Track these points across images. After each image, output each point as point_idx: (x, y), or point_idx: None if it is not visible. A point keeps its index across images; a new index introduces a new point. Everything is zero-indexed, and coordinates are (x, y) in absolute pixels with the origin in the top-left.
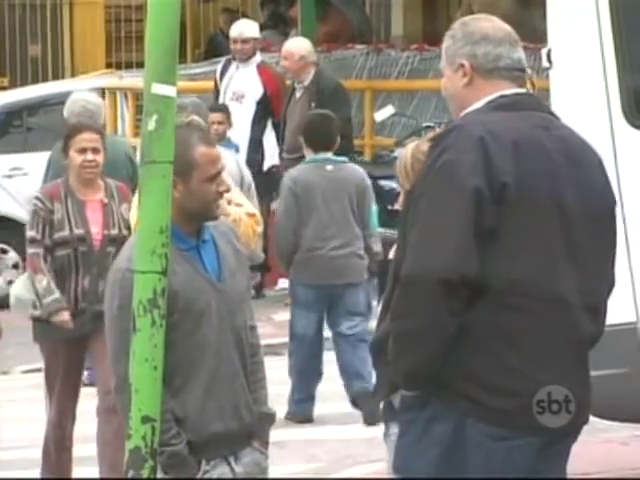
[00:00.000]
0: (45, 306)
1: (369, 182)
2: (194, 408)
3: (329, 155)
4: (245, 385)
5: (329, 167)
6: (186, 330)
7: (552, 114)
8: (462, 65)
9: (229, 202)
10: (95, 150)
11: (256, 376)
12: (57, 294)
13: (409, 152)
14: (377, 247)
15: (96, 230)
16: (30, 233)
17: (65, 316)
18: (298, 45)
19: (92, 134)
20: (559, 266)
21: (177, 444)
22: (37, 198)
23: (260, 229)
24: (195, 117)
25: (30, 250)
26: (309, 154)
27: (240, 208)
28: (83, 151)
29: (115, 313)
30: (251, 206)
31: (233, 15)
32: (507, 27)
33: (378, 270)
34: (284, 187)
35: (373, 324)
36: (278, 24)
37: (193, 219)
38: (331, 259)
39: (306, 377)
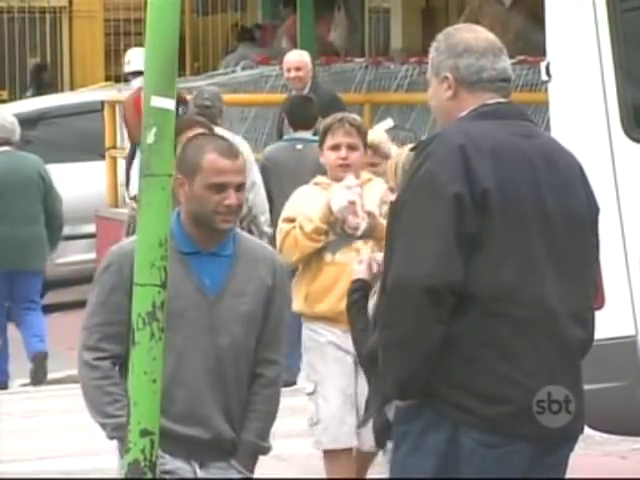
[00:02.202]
0: None
1: None
2: None
3: (306, 134)
4: (222, 402)
5: (299, 146)
6: None
7: (533, 122)
8: (446, 78)
9: None
10: None
11: (256, 406)
12: None
13: (403, 157)
14: None
15: None
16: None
17: None
18: (307, 56)
19: (200, 129)
20: (542, 272)
21: (123, 415)
22: (133, 199)
23: None
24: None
25: None
26: (289, 132)
27: None
28: None
29: (92, 287)
30: None
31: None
32: (491, 36)
33: None
34: (260, 163)
35: None
36: (252, 37)
37: (197, 224)
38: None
39: None
